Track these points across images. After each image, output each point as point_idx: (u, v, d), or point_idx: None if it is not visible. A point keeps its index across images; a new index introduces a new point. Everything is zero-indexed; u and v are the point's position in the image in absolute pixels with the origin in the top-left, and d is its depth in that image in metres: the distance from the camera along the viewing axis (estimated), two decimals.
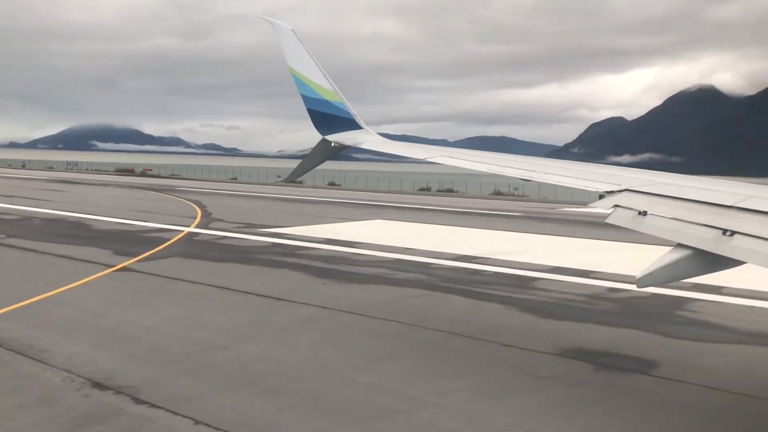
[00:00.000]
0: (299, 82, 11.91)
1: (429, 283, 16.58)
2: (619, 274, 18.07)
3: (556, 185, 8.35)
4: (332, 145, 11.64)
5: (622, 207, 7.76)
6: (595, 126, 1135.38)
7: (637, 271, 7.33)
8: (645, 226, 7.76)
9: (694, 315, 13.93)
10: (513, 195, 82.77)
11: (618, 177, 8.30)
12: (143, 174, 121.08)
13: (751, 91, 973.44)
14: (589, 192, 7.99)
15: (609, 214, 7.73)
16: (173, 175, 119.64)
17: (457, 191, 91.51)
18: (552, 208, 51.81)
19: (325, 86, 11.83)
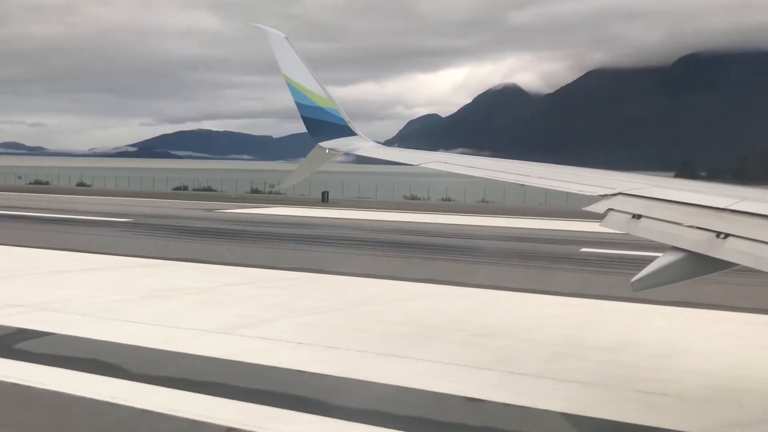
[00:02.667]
0: (293, 90, 11.86)
1: None
2: None
3: (550, 189, 8.37)
4: (327, 151, 11.64)
5: (616, 210, 7.79)
6: (412, 123, 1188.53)
7: None
8: (639, 229, 7.80)
9: None
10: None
11: (611, 180, 8.33)
12: None
13: (549, 90, 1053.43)
14: (585, 196, 8.02)
15: (604, 217, 7.77)
16: None
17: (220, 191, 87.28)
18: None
19: (319, 93, 11.76)
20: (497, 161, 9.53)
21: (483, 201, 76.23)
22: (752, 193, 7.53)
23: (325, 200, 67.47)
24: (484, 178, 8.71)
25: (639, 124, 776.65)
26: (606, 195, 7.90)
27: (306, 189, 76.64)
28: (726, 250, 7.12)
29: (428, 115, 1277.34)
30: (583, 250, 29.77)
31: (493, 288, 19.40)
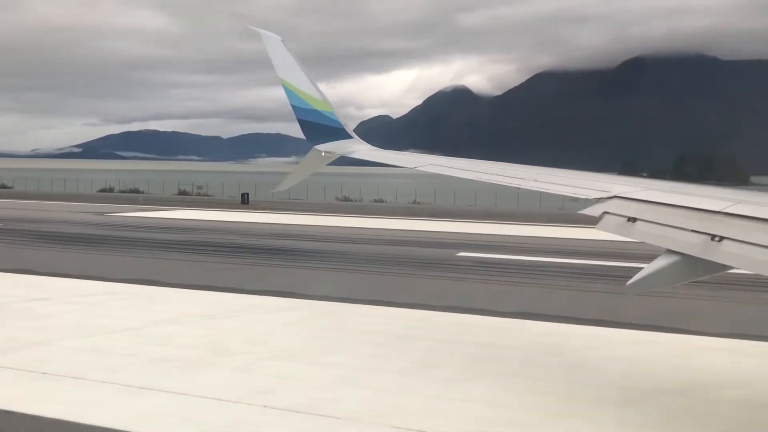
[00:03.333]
0: (290, 93, 11.80)
1: None
2: None
3: (545, 192, 8.37)
4: (323, 154, 11.62)
5: (612, 214, 7.84)
6: (364, 124, 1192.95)
7: None
8: (634, 232, 7.85)
9: None
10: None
11: (607, 184, 8.38)
12: None
13: (498, 92, 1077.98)
14: (578, 198, 8.06)
15: (599, 220, 7.81)
16: None
17: (147, 193, 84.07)
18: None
19: (315, 96, 11.78)
20: (492, 164, 9.49)
21: (415, 203, 75.40)
22: (746, 196, 7.64)
23: (244, 202, 65.49)
24: (479, 182, 8.68)
25: (584, 125, 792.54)
26: (601, 198, 7.96)
27: (236, 190, 75.37)
28: (721, 253, 7.19)
29: (380, 116, 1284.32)
30: (461, 254, 28.92)
31: (328, 299, 18.11)
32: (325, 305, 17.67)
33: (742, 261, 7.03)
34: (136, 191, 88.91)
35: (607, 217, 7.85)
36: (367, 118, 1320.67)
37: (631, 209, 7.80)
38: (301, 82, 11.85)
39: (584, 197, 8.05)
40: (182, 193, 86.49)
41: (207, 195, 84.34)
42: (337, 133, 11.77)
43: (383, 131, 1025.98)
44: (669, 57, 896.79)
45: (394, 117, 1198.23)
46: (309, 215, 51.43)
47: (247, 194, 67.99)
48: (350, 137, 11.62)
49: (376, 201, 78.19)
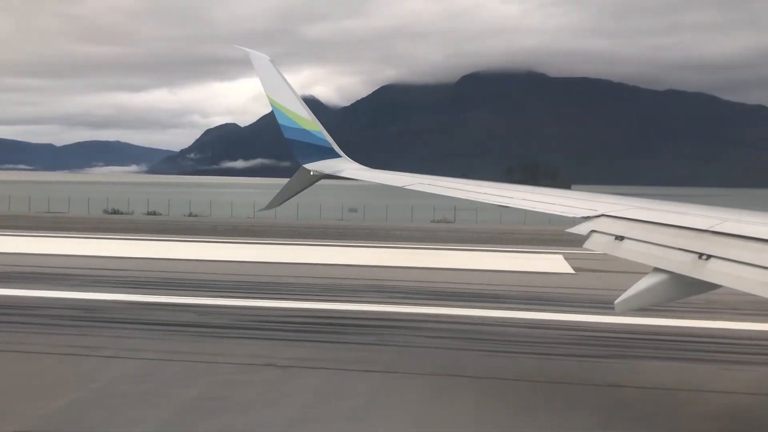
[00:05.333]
0: (278, 113, 11.74)
1: None
2: None
3: (533, 211, 8.21)
4: (311, 173, 11.50)
5: (599, 232, 7.79)
6: (210, 132, 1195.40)
7: None
8: (622, 251, 7.82)
9: None
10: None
11: (594, 202, 8.33)
12: None
13: (346, 103, 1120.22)
14: (566, 217, 7.96)
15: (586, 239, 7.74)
16: None
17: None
18: None
19: (303, 116, 11.76)
20: (480, 184, 9.25)
21: (190, 215, 68.68)
22: (734, 214, 7.82)
23: None
24: (467, 200, 8.38)
25: (426, 136, 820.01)
26: (589, 216, 7.90)
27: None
28: (709, 272, 7.27)
29: (226, 124, 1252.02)
30: None
31: None
32: None
33: (729, 279, 7.14)
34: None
35: (594, 235, 7.79)
36: (212, 126, 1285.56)
37: (619, 227, 7.79)
38: (290, 102, 11.83)
39: (571, 216, 7.97)
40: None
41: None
42: (326, 152, 11.66)
43: (230, 139, 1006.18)
44: (503, 73, 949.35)
45: (242, 125, 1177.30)
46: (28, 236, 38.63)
47: None
48: (339, 156, 11.31)
49: (148, 214, 69.29)
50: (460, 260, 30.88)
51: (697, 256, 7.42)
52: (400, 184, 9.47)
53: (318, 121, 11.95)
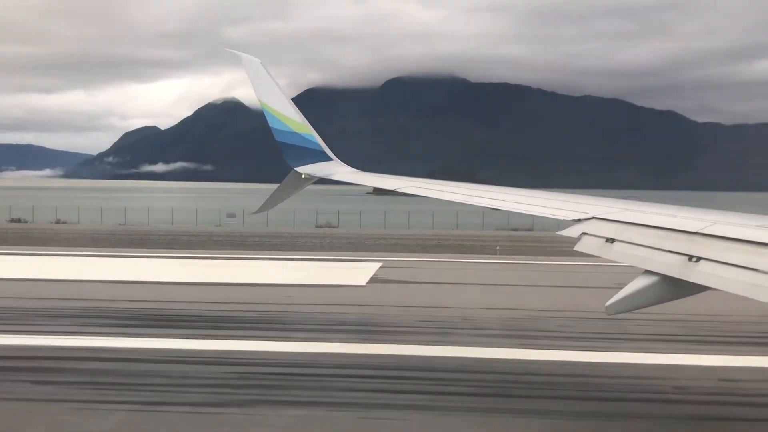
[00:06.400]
0: (269, 116, 11.77)
1: None
2: None
3: (524, 214, 8.11)
4: (303, 177, 11.48)
5: (590, 235, 7.75)
6: (129, 135, 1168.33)
7: None
8: (612, 253, 7.80)
9: None
10: None
11: (585, 205, 8.30)
12: None
13: None
14: (557, 220, 7.88)
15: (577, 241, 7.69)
16: None
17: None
18: None
19: (294, 119, 11.71)
20: (471, 186, 9.11)
21: (58, 222, 65.55)
22: (723, 216, 7.89)
23: None
24: (459, 203, 8.22)
25: (352, 140, 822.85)
26: (580, 219, 7.86)
27: None
28: (698, 274, 7.31)
29: (146, 126, 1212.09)
30: None
31: None
32: None
33: (719, 281, 7.20)
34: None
35: (585, 238, 7.75)
36: (132, 129, 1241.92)
37: (610, 230, 7.77)
38: (281, 105, 11.83)
39: (562, 218, 7.90)
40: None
41: None
42: (318, 155, 11.71)
43: (150, 142, 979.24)
44: (426, 77, 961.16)
45: (162, 128, 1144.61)
46: None
47: None
48: (330, 159, 11.29)
49: (56, 223, 65.42)
50: (253, 272, 28.58)
51: (687, 258, 7.45)
52: (391, 187, 9.36)
53: (309, 124, 11.99)
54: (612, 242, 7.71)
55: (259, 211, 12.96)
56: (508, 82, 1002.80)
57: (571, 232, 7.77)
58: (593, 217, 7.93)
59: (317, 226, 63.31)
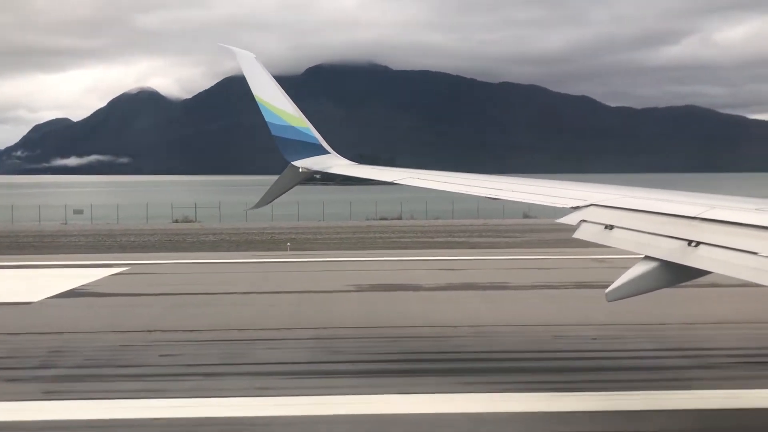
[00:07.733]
0: (265, 110, 11.77)
1: None
2: None
3: (522, 203, 7.87)
4: (300, 170, 11.41)
5: (589, 222, 7.59)
6: (39, 128, 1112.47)
7: None
8: (612, 239, 7.66)
9: None
10: None
11: (584, 192, 8.12)
12: None
13: (187, 95, 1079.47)
14: (555, 208, 7.68)
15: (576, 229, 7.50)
16: None
17: None
18: None
19: (290, 112, 11.74)
20: (469, 176, 8.82)
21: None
22: (721, 200, 7.84)
23: None
24: (457, 193, 7.91)
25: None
26: (578, 207, 7.68)
27: None
28: (698, 258, 7.24)
29: (57, 119, 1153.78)
30: None
31: None
32: None
33: (719, 265, 7.13)
34: None
35: (584, 225, 7.58)
36: (42, 121, 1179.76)
37: (608, 217, 7.62)
38: (277, 99, 11.80)
39: (561, 206, 7.71)
40: None
41: None
42: (314, 148, 11.68)
43: (62, 135, 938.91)
44: (346, 65, 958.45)
45: (75, 120, 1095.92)
46: None
47: None
48: (327, 152, 11.30)
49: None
50: None
51: (686, 243, 7.36)
52: (389, 179, 9.20)
53: (305, 118, 11.95)
54: (611, 229, 7.57)
55: (257, 206, 12.72)
56: (429, 69, 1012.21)
57: (570, 219, 7.60)
58: (592, 204, 7.77)
59: (175, 221, 58.35)
